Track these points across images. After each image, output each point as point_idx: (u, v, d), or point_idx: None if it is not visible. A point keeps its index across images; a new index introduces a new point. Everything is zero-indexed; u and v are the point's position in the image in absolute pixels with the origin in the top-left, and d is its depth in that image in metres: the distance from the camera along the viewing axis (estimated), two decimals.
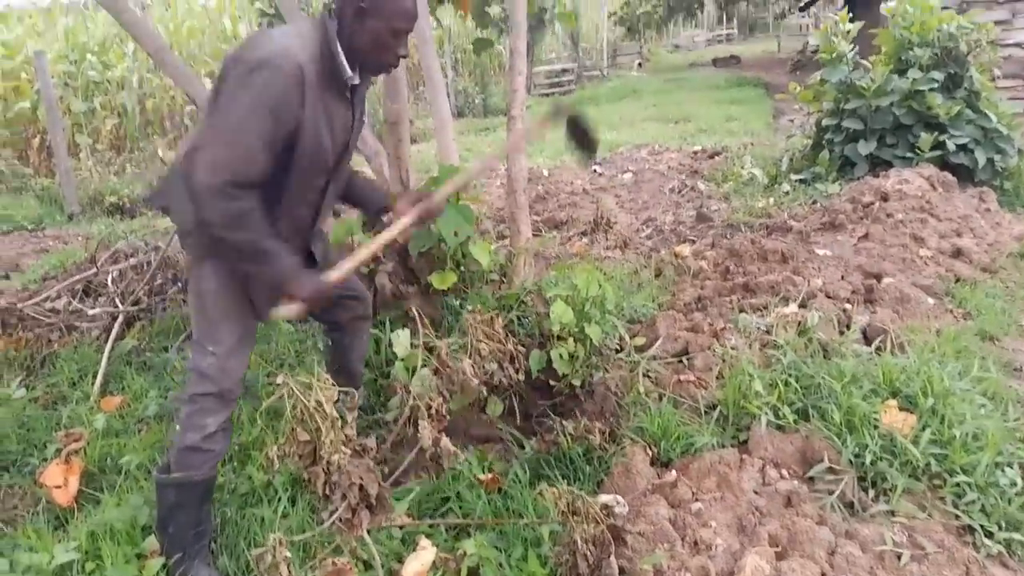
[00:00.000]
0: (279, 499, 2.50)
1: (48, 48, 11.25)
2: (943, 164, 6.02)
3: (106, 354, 3.69)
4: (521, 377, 2.54)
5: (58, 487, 2.66)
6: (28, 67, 10.77)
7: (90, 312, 4.14)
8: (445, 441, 2.08)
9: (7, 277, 5.76)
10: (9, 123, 10.77)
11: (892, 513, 2.30)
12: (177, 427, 2.22)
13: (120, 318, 4.03)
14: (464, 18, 5.15)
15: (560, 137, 2.58)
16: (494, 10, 5.00)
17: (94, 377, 3.56)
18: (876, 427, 2.55)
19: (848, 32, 6.70)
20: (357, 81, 2.24)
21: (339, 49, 2.14)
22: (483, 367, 2.31)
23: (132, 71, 12.04)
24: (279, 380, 1.86)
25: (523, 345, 2.90)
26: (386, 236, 2.33)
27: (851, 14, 7.00)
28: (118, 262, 4.72)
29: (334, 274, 2.20)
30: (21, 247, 6.99)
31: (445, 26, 16.25)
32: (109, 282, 4.44)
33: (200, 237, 2.16)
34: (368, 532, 1.91)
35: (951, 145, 6.01)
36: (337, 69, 2.15)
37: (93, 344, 3.92)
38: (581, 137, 2.49)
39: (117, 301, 4.21)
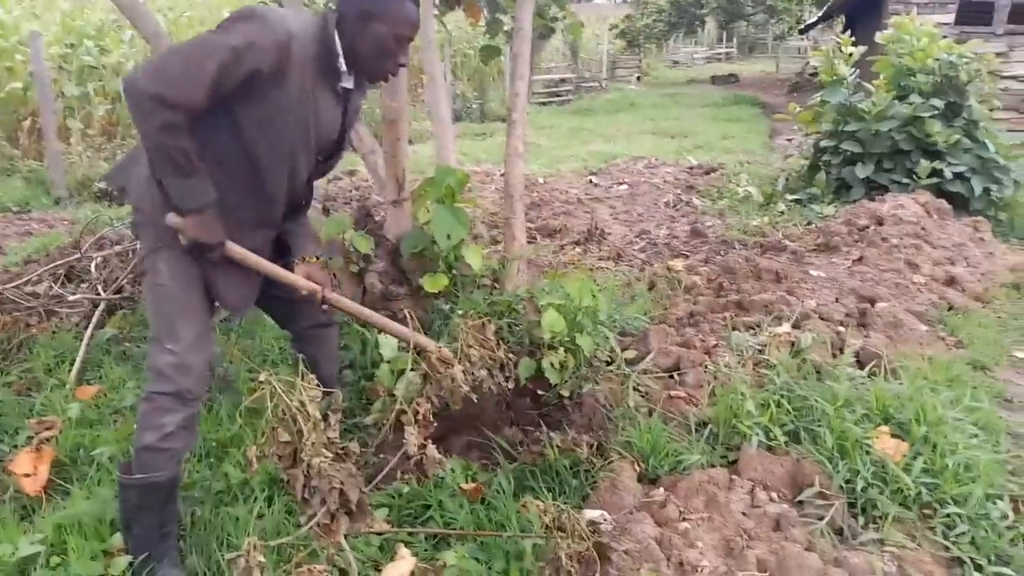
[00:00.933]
0: (255, 499, 2.43)
1: (45, 30, 11.12)
2: (939, 191, 6.03)
3: (85, 341, 3.60)
4: (511, 386, 2.48)
5: (27, 476, 2.58)
6: (23, 48, 10.64)
7: (71, 298, 4.05)
8: (431, 448, 2.02)
9: None
10: (0, 103, 10.63)
11: (882, 542, 2.26)
12: (135, 426, 2.13)
13: (101, 306, 3.94)
14: (473, 25, 5.12)
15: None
16: (506, 19, 4.97)
17: (71, 364, 3.47)
18: (868, 453, 2.51)
19: (850, 55, 6.71)
20: (351, 85, 2.23)
21: (337, 45, 2.13)
22: (472, 373, 2.25)
23: (128, 58, 11.92)
24: (261, 378, 1.79)
25: (513, 353, 2.84)
26: (279, 273, 2.25)
27: (853, 38, 7.02)
28: (103, 248, 4.64)
29: (236, 249, 2.13)
30: (4, 229, 6.88)
31: (447, 31, 16.22)
32: (92, 268, 4.35)
33: (155, 226, 2.09)
34: (346, 538, 1.84)
35: (948, 173, 6.03)
36: (332, 63, 2.14)
37: (72, 331, 3.83)
38: None
39: (99, 288, 4.12)
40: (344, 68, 2.16)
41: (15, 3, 12.64)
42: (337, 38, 2.13)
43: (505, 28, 5.15)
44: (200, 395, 2.17)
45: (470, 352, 2.29)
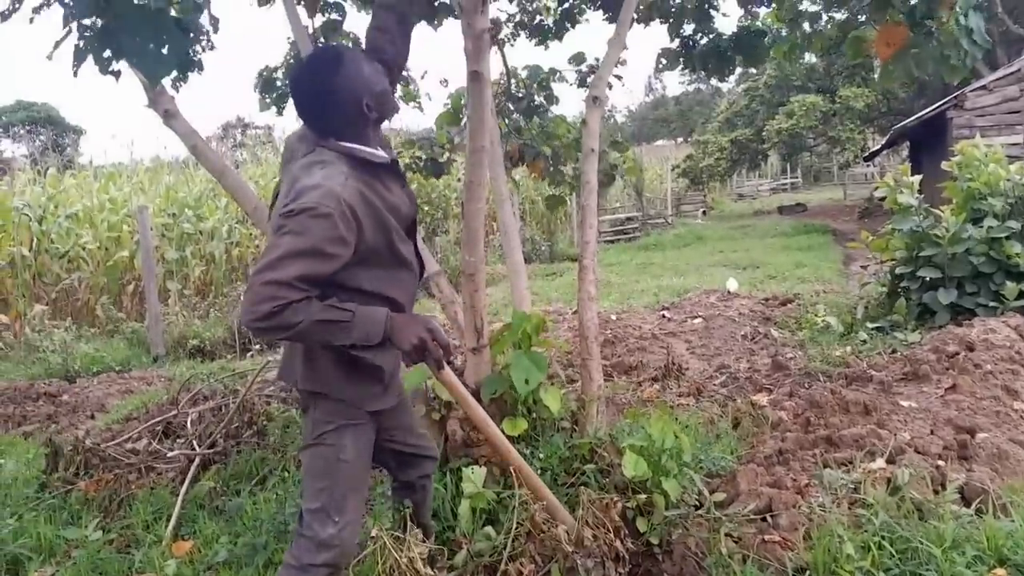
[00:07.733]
0: None
1: (150, 202, 12.22)
2: None
3: (180, 497, 3.73)
4: (628, 547, 2.36)
5: None
6: (130, 220, 11.67)
7: (169, 454, 4.23)
8: None
9: (92, 417, 5.98)
10: (108, 271, 11.55)
11: None
12: None
13: (196, 460, 4.10)
14: (536, 179, 5.45)
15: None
16: (566, 169, 5.26)
17: (168, 520, 3.59)
18: None
19: (912, 184, 6.74)
20: (387, 155, 2.21)
21: (356, 145, 2.11)
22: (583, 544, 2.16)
23: (223, 222, 12.90)
24: (373, 533, 1.82)
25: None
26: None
27: (919, 163, 7.06)
28: (197, 404, 4.87)
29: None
30: (108, 388, 7.28)
31: (516, 180, 17.04)
32: (188, 424, 4.55)
33: (341, 403, 2.15)
34: None
35: None
36: (370, 163, 2.11)
37: (169, 486, 3.97)
38: None
39: (195, 443, 4.30)
40: (381, 153, 2.16)
41: (125, 180, 13.98)
42: (350, 143, 2.10)
43: (567, 179, 5.42)
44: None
45: (585, 532, 2.21)
